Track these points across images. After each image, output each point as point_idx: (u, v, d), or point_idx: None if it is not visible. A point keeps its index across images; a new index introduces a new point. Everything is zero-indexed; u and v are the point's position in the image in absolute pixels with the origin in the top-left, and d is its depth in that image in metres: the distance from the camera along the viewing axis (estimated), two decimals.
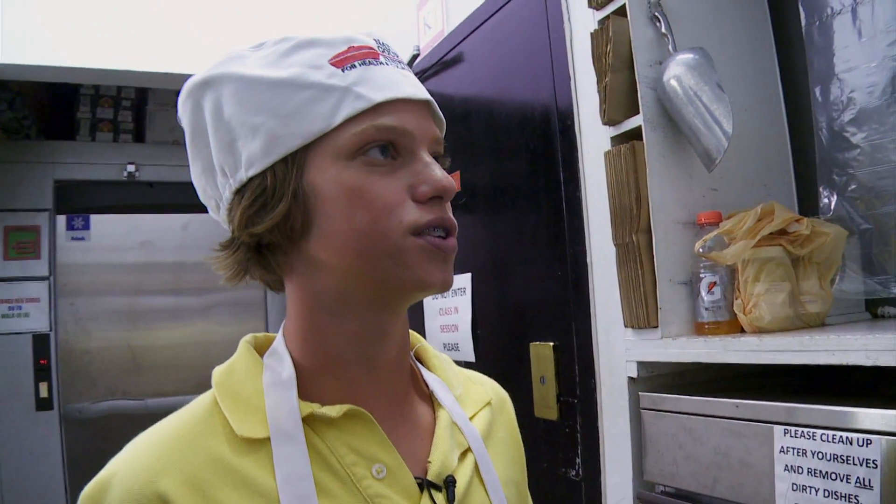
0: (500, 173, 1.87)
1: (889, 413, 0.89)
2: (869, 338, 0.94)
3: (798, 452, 0.98)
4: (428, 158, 0.64)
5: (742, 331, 1.21)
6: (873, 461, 0.88)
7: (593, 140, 1.44)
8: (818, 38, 1.29)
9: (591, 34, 1.34)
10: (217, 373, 0.68)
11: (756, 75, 1.45)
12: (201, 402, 0.65)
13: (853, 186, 1.27)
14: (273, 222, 0.61)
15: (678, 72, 1.22)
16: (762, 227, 1.19)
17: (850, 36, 1.23)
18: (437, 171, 0.63)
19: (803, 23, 1.32)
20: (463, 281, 1.97)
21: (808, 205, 1.41)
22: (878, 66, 1.20)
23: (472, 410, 0.78)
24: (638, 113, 1.29)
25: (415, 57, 2.24)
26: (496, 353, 1.88)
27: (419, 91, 0.66)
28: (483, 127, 1.92)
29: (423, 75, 2.18)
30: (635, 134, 1.31)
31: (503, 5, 1.80)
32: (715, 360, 1.15)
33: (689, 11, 1.37)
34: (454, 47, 2.04)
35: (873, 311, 1.33)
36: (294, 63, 0.62)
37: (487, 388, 0.85)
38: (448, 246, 0.64)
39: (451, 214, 0.66)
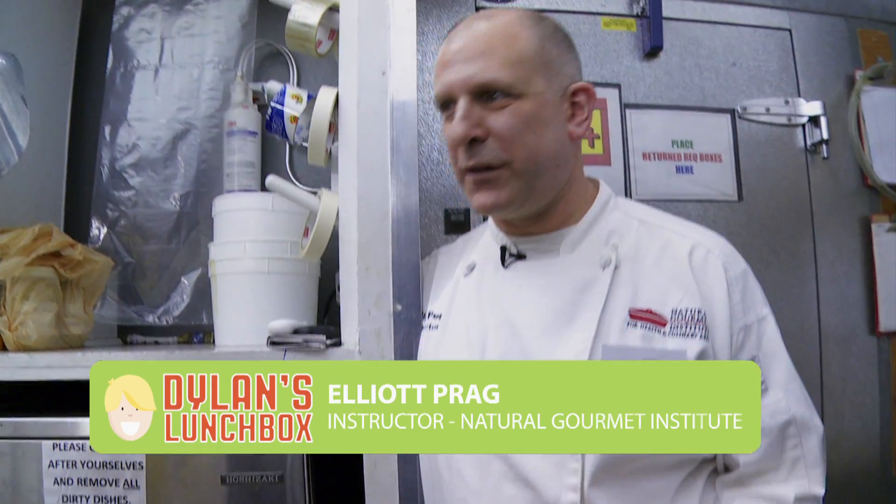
0: None
1: None
2: (137, 354, 1.07)
3: (68, 465, 1.00)
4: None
5: (4, 348, 1.15)
6: (139, 463, 1.00)
7: None
8: (119, 83, 1.40)
9: None
10: None
11: (48, 97, 1.43)
12: None
13: (123, 223, 1.40)
14: None
15: None
16: (38, 247, 1.18)
17: (148, 90, 1.40)
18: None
19: (109, 65, 1.41)
20: None
21: (75, 231, 1.45)
22: (165, 124, 1.40)
23: None
24: None
25: None
26: None
27: None
28: None
29: None
30: None
31: None
32: None
33: None
34: None
35: (123, 338, 1.45)
36: None
37: None
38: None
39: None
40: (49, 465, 1.01)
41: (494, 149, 0.86)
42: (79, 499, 1.00)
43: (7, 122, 1.13)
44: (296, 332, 1.02)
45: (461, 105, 0.86)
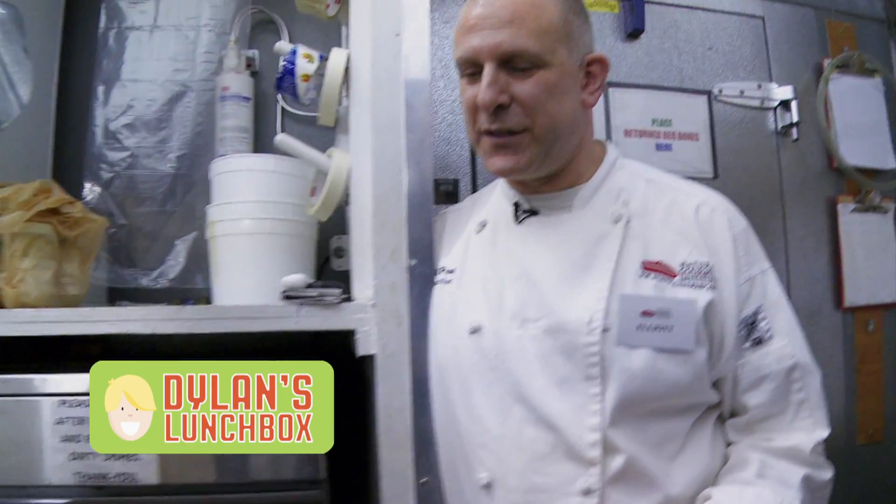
0: None
1: None
2: (149, 310, 1.07)
3: (76, 422, 0.99)
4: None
5: (2, 305, 1.13)
6: None
7: None
8: (113, 43, 1.38)
9: None
10: None
11: (35, 55, 1.38)
12: None
13: (117, 184, 1.38)
14: None
15: None
16: (38, 202, 1.16)
17: (143, 51, 1.38)
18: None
19: (101, 24, 1.38)
20: None
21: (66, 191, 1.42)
22: (160, 86, 1.38)
23: None
24: None
25: None
26: None
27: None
28: None
29: None
30: None
31: None
32: None
33: None
34: None
35: (112, 303, 1.43)
36: None
37: None
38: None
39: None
40: (56, 423, 1.00)
41: (518, 114, 0.90)
42: (87, 456, 0.99)
43: (8, 74, 1.11)
44: (309, 286, 1.03)
45: (488, 71, 0.89)
